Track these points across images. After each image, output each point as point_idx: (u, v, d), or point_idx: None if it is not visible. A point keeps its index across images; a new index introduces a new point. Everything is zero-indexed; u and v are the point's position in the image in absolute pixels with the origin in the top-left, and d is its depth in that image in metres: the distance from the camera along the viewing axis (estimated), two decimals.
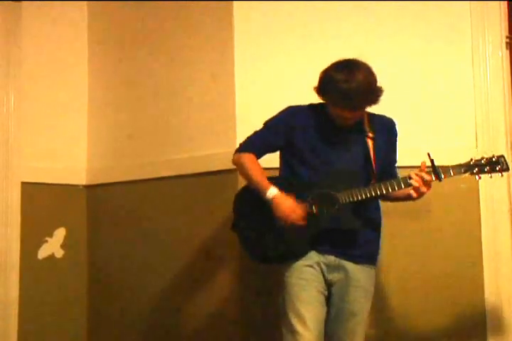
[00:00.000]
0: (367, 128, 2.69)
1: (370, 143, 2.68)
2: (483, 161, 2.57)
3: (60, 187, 3.87)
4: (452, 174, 2.55)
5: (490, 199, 3.28)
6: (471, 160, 2.58)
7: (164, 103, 3.67)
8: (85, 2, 4.05)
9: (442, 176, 2.54)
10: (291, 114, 2.73)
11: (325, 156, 2.65)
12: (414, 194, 2.55)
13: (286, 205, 2.56)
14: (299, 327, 2.55)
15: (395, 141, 2.80)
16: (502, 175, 2.63)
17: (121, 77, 3.91)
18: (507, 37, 3.41)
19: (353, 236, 2.63)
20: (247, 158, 2.72)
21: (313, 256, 2.62)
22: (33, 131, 3.79)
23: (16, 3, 3.72)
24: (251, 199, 2.69)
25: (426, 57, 3.34)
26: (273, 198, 2.58)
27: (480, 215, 3.28)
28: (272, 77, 3.30)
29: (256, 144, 2.75)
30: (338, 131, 2.67)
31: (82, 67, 4.03)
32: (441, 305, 3.20)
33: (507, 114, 3.37)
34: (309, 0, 3.30)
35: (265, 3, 3.30)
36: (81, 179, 3.97)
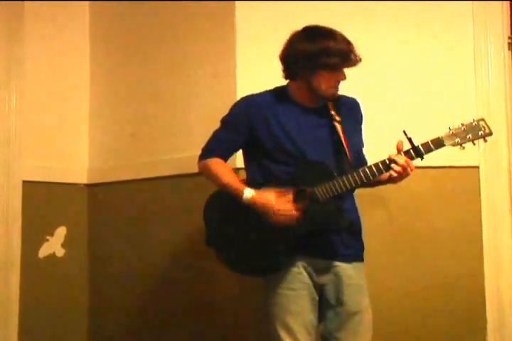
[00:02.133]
0: (332, 111, 2.55)
1: (338, 127, 2.53)
2: (463, 129, 2.41)
3: (61, 186, 3.87)
4: (434, 148, 2.39)
5: (491, 200, 3.29)
6: (450, 129, 2.41)
7: (165, 102, 3.67)
8: (87, 2, 4.05)
9: (423, 152, 2.39)
10: (247, 105, 2.60)
11: (294, 147, 2.50)
12: (394, 174, 2.39)
13: (271, 200, 2.39)
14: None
15: (361, 122, 2.68)
16: (486, 141, 2.44)
17: (123, 76, 3.91)
18: (509, 37, 3.41)
19: (338, 235, 2.50)
20: (213, 163, 2.59)
21: (299, 261, 2.49)
22: (35, 130, 3.78)
23: (19, 2, 3.71)
24: (223, 210, 2.55)
25: (428, 58, 3.34)
26: (252, 197, 2.43)
27: (481, 215, 3.28)
28: (274, 77, 3.27)
29: (218, 146, 2.62)
30: (303, 117, 2.54)
31: (83, 67, 4.03)
32: (441, 304, 3.21)
33: (509, 115, 3.37)
34: (311, 0, 3.30)
35: (267, 4, 3.30)
36: (82, 178, 3.97)
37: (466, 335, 3.22)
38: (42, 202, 3.78)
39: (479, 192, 3.27)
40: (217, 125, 3.37)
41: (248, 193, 2.44)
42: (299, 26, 3.28)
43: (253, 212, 2.47)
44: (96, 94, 4.02)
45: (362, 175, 2.40)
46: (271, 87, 3.26)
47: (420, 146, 2.40)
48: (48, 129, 3.86)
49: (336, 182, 2.40)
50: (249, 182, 2.53)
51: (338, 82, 2.51)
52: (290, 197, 2.42)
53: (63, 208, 3.89)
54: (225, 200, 2.55)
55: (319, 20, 3.29)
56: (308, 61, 2.45)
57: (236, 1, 3.30)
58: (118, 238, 3.83)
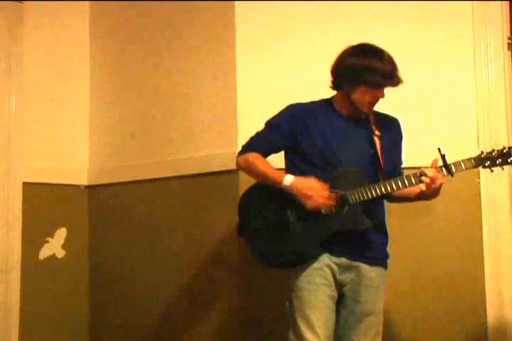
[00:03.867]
0: (373, 126, 2.66)
1: (377, 141, 2.64)
2: (493, 154, 2.53)
3: (62, 188, 3.87)
4: (464, 168, 2.51)
5: (491, 201, 3.28)
6: (482, 153, 2.54)
7: (166, 103, 3.67)
8: (87, 2, 4.05)
9: (454, 170, 2.50)
10: (293, 113, 2.68)
11: (332, 155, 2.60)
12: (423, 187, 2.51)
13: (311, 184, 2.49)
14: (308, 334, 2.50)
15: (401, 141, 2.78)
16: None
17: (123, 77, 3.91)
18: (509, 38, 3.40)
19: (365, 237, 2.59)
20: (254, 157, 2.65)
21: (324, 258, 2.56)
22: (35, 131, 3.79)
23: (18, 3, 3.73)
24: (258, 203, 2.65)
25: (427, 58, 3.34)
26: (291, 184, 2.51)
27: (481, 217, 3.27)
28: (274, 77, 3.29)
29: (259, 145, 2.69)
30: (345, 127, 2.64)
31: (83, 67, 4.03)
32: (441, 305, 3.20)
33: (509, 115, 3.36)
34: (311, 0, 3.31)
35: (267, 3, 3.30)
36: (82, 179, 3.97)
37: (466, 335, 3.21)
38: (42, 203, 3.78)
39: (479, 192, 3.27)
40: (217, 125, 3.40)
41: (288, 178, 2.54)
42: (299, 26, 3.32)
43: (286, 207, 2.58)
44: (96, 95, 4.02)
45: (393, 184, 2.52)
46: (271, 86, 3.29)
47: (452, 165, 2.52)
48: (48, 131, 3.87)
49: (367, 188, 2.52)
50: None
51: (377, 99, 2.63)
52: (327, 185, 2.52)
53: (64, 209, 3.89)
54: (261, 194, 2.65)
55: (319, 20, 3.33)
56: (353, 75, 2.56)
57: (236, 1, 3.30)
58: (118, 239, 3.83)
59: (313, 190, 2.49)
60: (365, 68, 2.53)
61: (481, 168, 2.58)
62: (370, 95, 2.59)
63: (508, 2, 3.40)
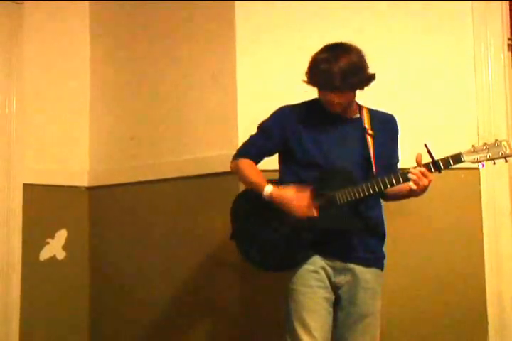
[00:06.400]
0: (366, 125, 2.62)
1: (369, 140, 2.60)
2: (485, 147, 2.45)
3: (62, 189, 3.88)
4: (452, 164, 2.45)
5: (491, 202, 3.28)
6: (473, 147, 2.46)
7: (166, 104, 3.68)
8: (87, 3, 4.06)
9: (442, 167, 2.45)
10: (283, 115, 2.67)
11: (323, 156, 2.58)
12: (413, 186, 2.45)
13: (289, 195, 2.51)
14: (304, 336, 2.51)
15: (396, 138, 2.74)
16: (506, 161, 2.49)
17: (123, 79, 3.92)
18: (509, 39, 3.41)
19: (359, 238, 2.58)
20: (244, 163, 2.67)
21: (318, 261, 2.56)
22: (35, 133, 3.80)
23: (19, 3, 3.74)
24: (248, 207, 2.66)
25: (427, 59, 3.34)
26: (271, 193, 2.53)
27: (482, 217, 3.27)
28: (274, 77, 3.30)
29: (252, 150, 2.70)
30: (336, 128, 2.61)
31: (83, 68, 4.04)
32: (442, 306, 3.20)
33: (509, 117, 3.37)
34: (311, 0, 3.31)
35: (267, 3, 3.31)
36: (83, 181, 3.97)
37: (467, 336, 3.21)
38: (42, 204, 3.79)
39: (480, 193, 3.27)
40: (217, 126, 3.40)
41: (268, 189, 2.55)
42: (300, 26, 3.32)
43: (273, 210, 2.58)
44: (96, 96, 4.03)
45: (380, 183, 2.49)
46: (271, 87, 3.29)
47: (440, 161, 2.46)
48: (49, 132, 3.87)
49: (355, 188, 2.50)
50: (279, 183, 2.63)
51: (332, 102, 2.53)
52: (307, 193, 2.53)
53: (64, 211, 3.90)
54: (250, 198, 2.65)
55: (318, 20, 3.33)
56: (306, 75, 2.52)
57: (236, 1, 3.31)
58: (119, 240, 3.83)
59: (291, 201, 2.51)
60: (311, 68, 2.48)
61: (481, 168, 2.54)
62: (324, 96, 2.54)
63: (508, 2, 3.41)
